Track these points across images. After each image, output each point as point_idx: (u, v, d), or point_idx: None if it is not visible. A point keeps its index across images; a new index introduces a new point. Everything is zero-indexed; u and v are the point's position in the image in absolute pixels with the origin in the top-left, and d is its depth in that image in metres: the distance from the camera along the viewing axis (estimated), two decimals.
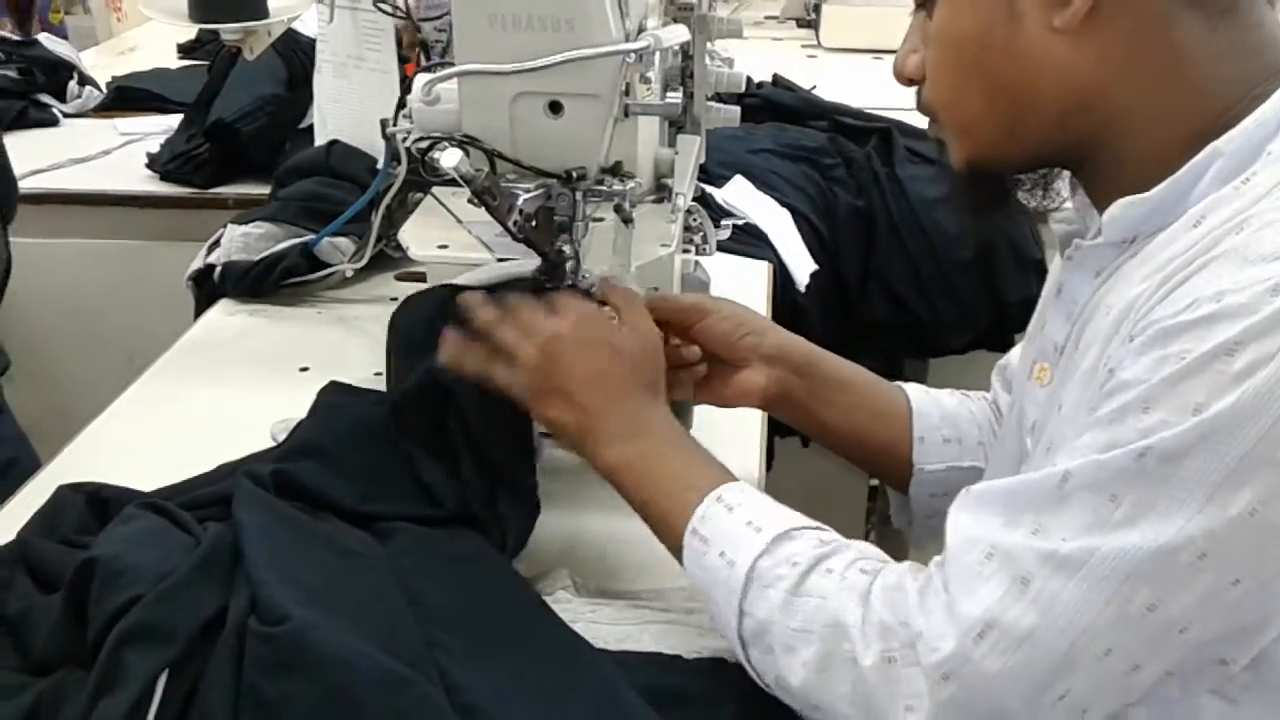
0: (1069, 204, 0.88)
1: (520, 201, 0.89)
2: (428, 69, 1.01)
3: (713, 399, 1.06)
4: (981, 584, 0.70)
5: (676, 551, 0.85)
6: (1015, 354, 1.04)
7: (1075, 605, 0.68)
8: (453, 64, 0.91)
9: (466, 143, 0.91)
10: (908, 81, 0.86)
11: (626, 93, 0.98)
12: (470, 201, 0.91)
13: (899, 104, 2.13)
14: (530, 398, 0.90)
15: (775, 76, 2.22)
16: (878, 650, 0.73)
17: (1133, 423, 0.68)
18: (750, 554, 0.79)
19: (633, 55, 0.88)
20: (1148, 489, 0.67)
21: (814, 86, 2.27)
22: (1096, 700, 0.71)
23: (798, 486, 1.14)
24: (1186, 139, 0.74)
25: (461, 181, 0.88)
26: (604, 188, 0.94)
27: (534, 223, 0.92)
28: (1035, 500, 0.71)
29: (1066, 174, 0.86)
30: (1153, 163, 0.75)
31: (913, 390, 1.07)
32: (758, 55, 2.66)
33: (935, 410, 1.05)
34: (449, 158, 0.86)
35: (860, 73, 2.67)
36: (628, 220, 0.96)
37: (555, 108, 0.91)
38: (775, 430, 1.31)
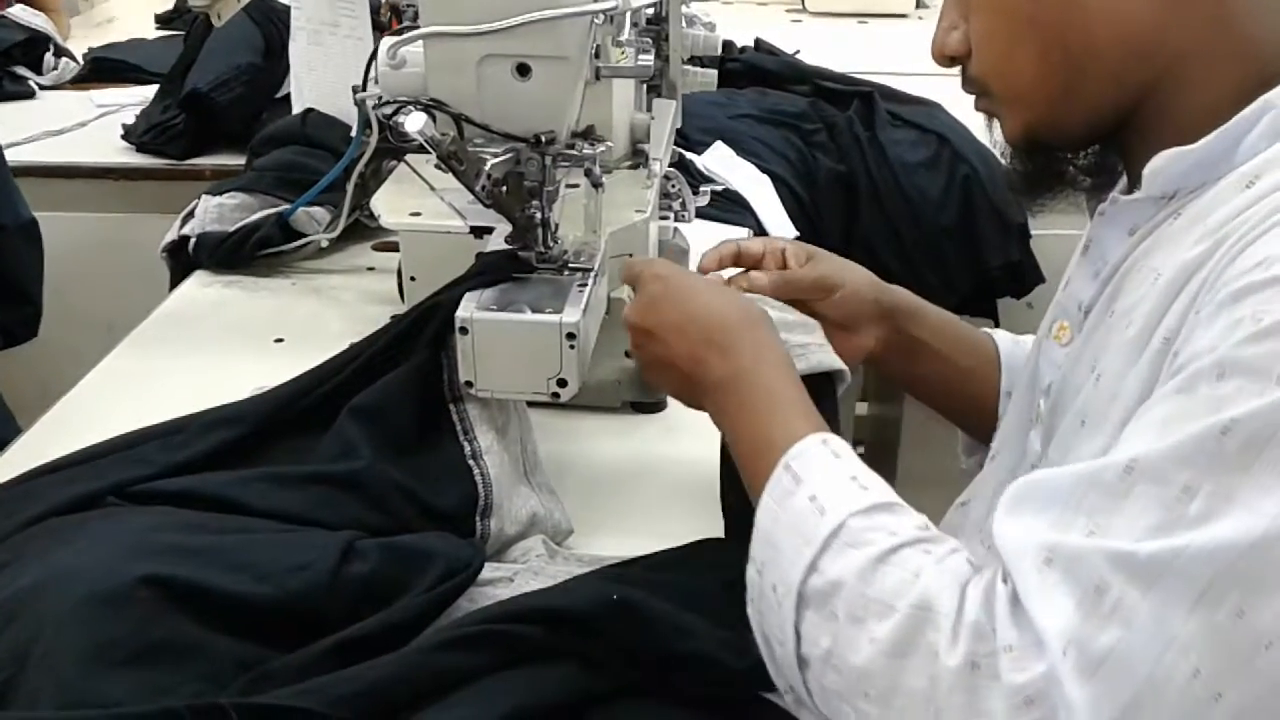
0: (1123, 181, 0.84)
1: (488, 166, 0.88)
2: (397, 33, 0.99)
3: None
4: (1052, 595, 0.61)
5: (755, 480, 0.76)
6: None
7: (1158, 615, 0.59)
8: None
9: (432, 106, 0.89)
10: (950, 61, 0.82)
11: (597, 55, 0.96)
12: (437, 167, 0.90)
13: (883, 69, 2.13)
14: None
15: (757, 41, 2.20)
16: (964, 651, 0.62)
17: (1206, 391, 0.61)
18: (846, 508, 0.69)
19: (601, 16, 0.87)
20: (1229, 475, 0.59)
21: (797, 51, 2.24)
22: None
23: None
24: (1235, 92, 0.72)
25: (427, 146, 0.86)
26: (574, 152, 0.92)
27: (503, 187, 0.90)
28: (1094, 493, 0.63)
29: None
30: (1200, 116, 0.73)
31: (1002, 341, 1.07)
32: (741, 20, 2.65)
33: (1021, 362, 1.02)
34: (413, 122, 0.85)
35: (845, 38, 2.65)
36: (597, 185, 0.94)
37: (523, 70, 0.90)
38: None
